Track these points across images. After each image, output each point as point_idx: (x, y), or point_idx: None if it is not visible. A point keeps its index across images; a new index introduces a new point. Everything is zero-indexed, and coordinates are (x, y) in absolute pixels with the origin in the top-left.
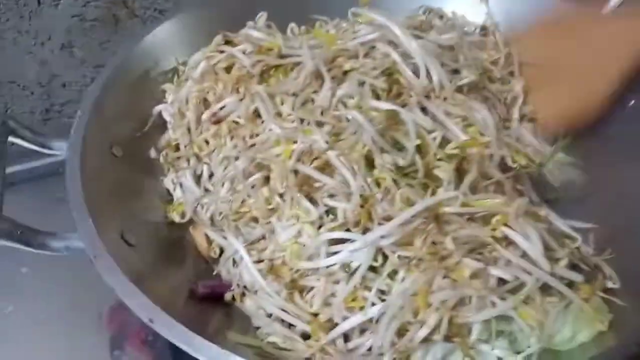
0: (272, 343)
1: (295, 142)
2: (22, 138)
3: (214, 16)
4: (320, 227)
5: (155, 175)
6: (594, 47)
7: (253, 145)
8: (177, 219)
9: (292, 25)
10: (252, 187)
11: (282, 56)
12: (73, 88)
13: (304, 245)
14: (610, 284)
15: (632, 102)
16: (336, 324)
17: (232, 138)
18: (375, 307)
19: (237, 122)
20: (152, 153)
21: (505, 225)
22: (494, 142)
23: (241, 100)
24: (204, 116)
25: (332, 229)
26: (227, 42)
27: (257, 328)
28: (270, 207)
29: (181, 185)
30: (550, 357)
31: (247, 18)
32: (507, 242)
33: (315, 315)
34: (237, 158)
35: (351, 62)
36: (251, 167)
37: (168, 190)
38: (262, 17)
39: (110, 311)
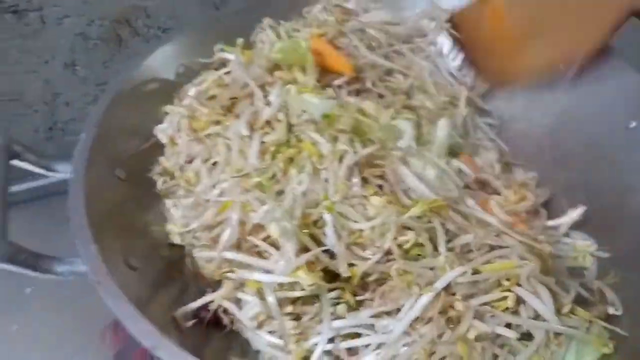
0: None
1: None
2: (27, 161)
3: (216, 36)
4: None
5: (157, 196)
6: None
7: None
8: (177, 240)
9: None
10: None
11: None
12: (76, 106)
13: None
14: (612, 311)
15: (634, 124)
16: None
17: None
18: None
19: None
20: (155, 175)
21: (517, 284)
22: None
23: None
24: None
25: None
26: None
27: (258, 352)
28: None
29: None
30: None
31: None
32: (519, 300)
33: None
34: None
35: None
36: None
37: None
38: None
39: (113, 328)
